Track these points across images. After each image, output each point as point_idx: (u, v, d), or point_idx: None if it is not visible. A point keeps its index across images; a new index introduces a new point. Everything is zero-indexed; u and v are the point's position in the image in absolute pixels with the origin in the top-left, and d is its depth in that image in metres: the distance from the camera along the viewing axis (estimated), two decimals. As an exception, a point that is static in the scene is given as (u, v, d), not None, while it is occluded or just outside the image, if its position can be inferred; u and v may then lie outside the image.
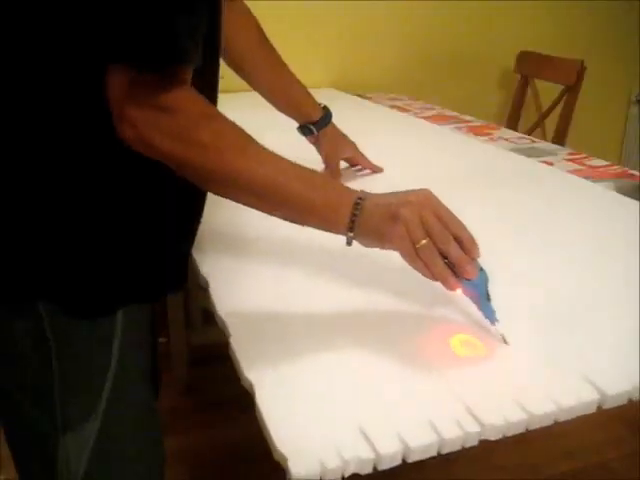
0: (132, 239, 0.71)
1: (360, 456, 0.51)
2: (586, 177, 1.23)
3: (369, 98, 2.02)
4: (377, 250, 0.68)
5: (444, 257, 0.65)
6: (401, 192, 0.68)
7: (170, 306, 1.75)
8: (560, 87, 2.06)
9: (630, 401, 0.61)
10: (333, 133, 1.15)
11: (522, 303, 0.75)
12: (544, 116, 2.13)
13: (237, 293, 0.76)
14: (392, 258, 0.67)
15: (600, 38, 2.45)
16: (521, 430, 0.56)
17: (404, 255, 0.66)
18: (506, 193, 1.14)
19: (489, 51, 2.34)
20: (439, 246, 0.64)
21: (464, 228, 0.66)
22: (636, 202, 1.08)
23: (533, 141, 1.55)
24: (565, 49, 2.16)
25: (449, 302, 0.72)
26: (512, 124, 2.19)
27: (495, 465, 1.50)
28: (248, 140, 0.67)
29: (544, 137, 2.03)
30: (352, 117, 1.78)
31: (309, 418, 0.56)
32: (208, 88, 0.71)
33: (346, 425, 0.54)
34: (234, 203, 0.69)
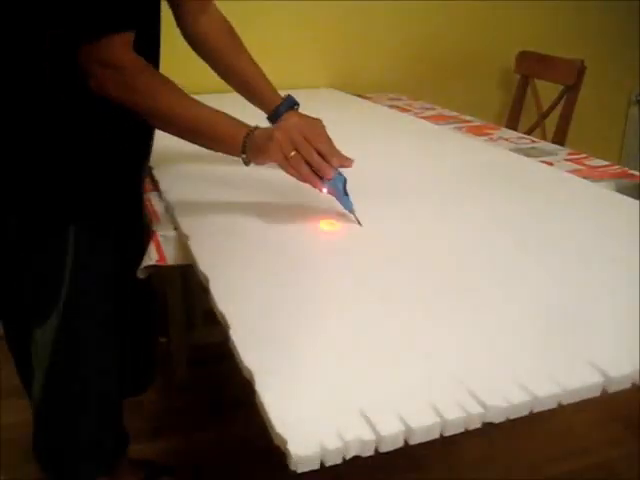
0: (82, 166, 0.93)
1: (361, 437, 0.51)
2: (586, 177, 1.23)
3: (369, 98, 2.02)
4: None
5: (310, 165, 0.88)
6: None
7: (170, 306, 1.75)
8: (560, 87, 2.06)
9: (633, 385, 0.61)
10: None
11: (524, 295, 0.76)
12: (544, 116, 2.13)
13: (236, 287, 0.77)
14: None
15: (600, 38, 2.45)
16: (525, 412, 0.56)
17: (280, 165, 0.90)
18: (506, 193, 1.14)
19: (489, 51, 2.34)
20: (304, 156, 0.88)
21: (325, 144, 0.91)
22: (636, 202, 1.08)
23: (533, 141, 1.56)
24: (565, 49, 2.16)
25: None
26: (512, 124, 2.19)
27: (495, 465, 1.50)
28: (171, 86, 0.90)
29: (544, 137, 2.03)
30: (352, 117, 1.78)
31: (309, 401, 0.56)
32: (152, 43, 0.97)
33: (347, 407, 0.54)
34: (236, 200, 0.91)
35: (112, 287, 1.02)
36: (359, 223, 0.95)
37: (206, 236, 0.90)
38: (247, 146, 0.90)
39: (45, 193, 0.92)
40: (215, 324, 0.72)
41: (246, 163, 0.92)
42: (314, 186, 0.91)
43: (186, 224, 0.94)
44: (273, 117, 1.17)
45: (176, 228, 0.96)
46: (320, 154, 0.89)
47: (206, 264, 0.82)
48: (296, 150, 0.88)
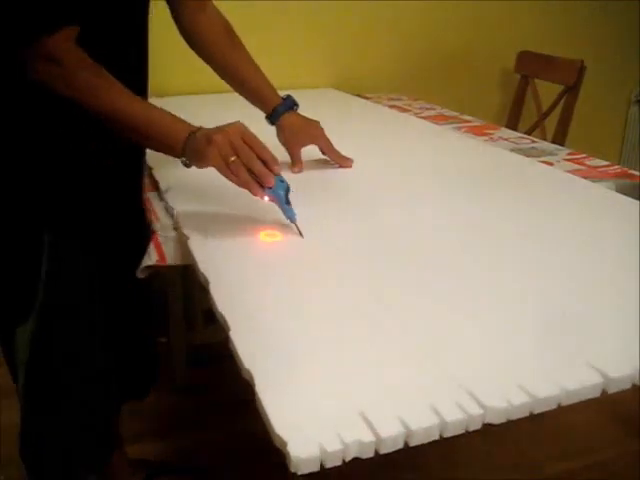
0: (56, 168, 0.91)
1: (361, 439, 0.51)
2: (586, 177, 1.23)
3: (369, 98, 2.02)
4: None
5: (251, 172, 0.85)
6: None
7: (170, 306, 1.75)
8: (560, 87, 2.06)
9: (633, 386, 0.61)
10: (292, 122, 1.18)
11: (524, 296, 0.76)
12: (544, 116, 2.13)
13: (236, 289, 0.77)
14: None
15: (600, 38, 2.45)
16: (525, 414, 0.56)
17: (218, 169, 0.86)
18: (506, 193, 1.14)
19: (489, 51, 2.33)
20: (245, 162, 0.85)
21: (266, 150, 0.87)
22: (636, 202, 1.08)
23: (533, 141, 1.56)
24: (565, 49, 2.16)
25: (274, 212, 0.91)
26: (512, 124, 2.19)
27: (495, 465, 1.50)
28: (112, 84, 0.86)
29: (544, 137, 2.03)
30: (352, 117, 1.78)
31: (309, 403, 0.56)
32: (134, 42, 0.96)
33: (346, 409, 0.54)
34: (237, 200, 0.87)
35: (99, 289, 1.00)
36: (300, 234, 0.90)
37: (206, 236, 0.90)
38: (187, 149, 0.87)
39: (20, 194, 0.91)
40: (215, 324, 0.72)
41: (187, 166, 0.89)
42: (254, 194, 0.87)
43: (186, 224, 0.94)
44: (272, 117, 1.17)
45: (176, 228, 0.96)
46: (261, 160, 0.86)
47: (206, 264, 0.82)
48: (236, 155, 0.85)
